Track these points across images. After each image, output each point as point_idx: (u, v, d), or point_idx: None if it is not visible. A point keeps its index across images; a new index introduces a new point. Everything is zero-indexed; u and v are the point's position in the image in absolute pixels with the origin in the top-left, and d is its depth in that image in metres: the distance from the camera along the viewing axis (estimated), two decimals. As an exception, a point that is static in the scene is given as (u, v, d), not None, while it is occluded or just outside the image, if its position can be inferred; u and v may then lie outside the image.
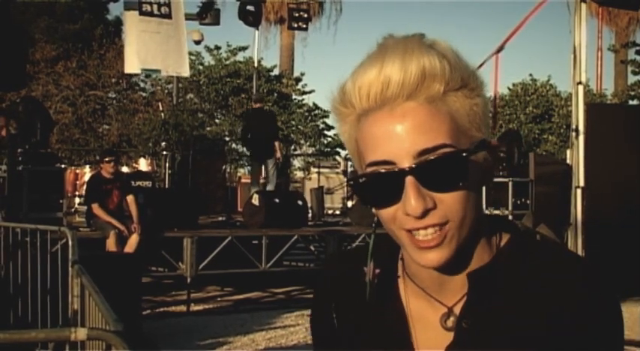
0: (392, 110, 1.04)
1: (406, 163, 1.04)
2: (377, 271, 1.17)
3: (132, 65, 13.47)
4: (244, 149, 27.40)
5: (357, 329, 1.19)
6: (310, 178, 18.51)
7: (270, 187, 13.40)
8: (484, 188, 1.13)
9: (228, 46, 28.51)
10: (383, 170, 1.05)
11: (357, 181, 1.08)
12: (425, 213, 1.04)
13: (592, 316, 1.07)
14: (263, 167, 13.49)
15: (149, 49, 13.31)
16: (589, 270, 1.10)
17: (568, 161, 11.74)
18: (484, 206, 1.19)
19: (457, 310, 1.12)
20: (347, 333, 1.20)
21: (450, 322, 1.12)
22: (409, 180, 1.03)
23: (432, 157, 1.03)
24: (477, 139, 1.08)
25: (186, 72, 14.51)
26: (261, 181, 13.54)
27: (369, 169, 1.07)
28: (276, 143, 13.34)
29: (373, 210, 1.10)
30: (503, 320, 1.09)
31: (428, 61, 1.04)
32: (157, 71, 14.38)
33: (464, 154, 1.05)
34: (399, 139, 1.04)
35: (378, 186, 1.06)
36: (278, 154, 13.32)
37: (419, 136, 1.03)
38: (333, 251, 11.06)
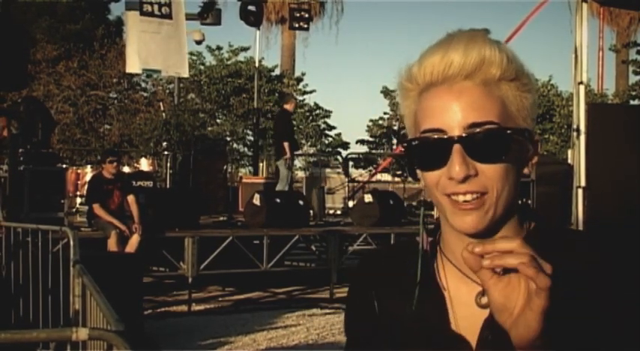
0: (450, 87, 1.18)
1: (456, 132, 1.16)
2: (430, 239, 1.28)
3: (133, 65, 13.48)
4: (245, 149, 27.50)
5: (397, 312, 1.26)
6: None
7: (279, 187, 13.45)
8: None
9: (230, 46, 28.59)
10: (435, 136, 1.17)
11: (410, 143, 1.21)
12: (466, 178, 1.15)
13: (609, 281, 1.17)
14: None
15: (150, 50, 13.32)
16: (607, 246, 1.22)
17: (569, 161, 11.74)
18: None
19: None
20: (386, 317, 1.28)
21: (484, 300, 1.18)
22: (456, 147, 1.15)
23: (480, 130, 1.15)
24: (522, 127, 1.20)
25: (185, 72, 14.53)
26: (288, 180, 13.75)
27: (424, 135, 1.19)
28: (285, 143, 13.40)
29: (420, 176, 1.23)
30: None
31: (489, 49, 1.17)
32: (158, 71, 14.39)
33: (508, 132, 1.17)
34: (454, 111, 1.17)
35: (428, 150, 1.19)
36: (286, 155, 13.38)
37: (471, 112, 1.16)
38: (333, 251, 11.06)
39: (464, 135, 1.15)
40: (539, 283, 1.01)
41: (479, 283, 1.18)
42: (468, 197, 1.15)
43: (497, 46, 1.18)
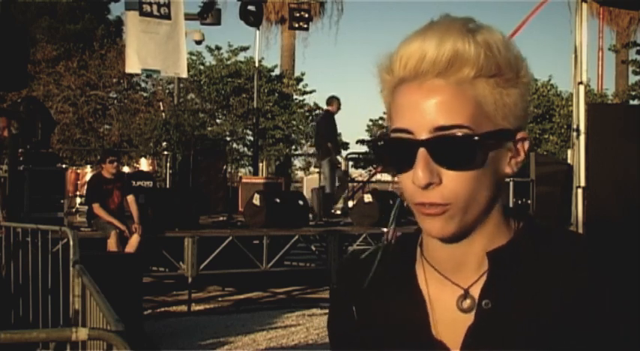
0: (421, 84, 1.10)
1: (423, 135, 1.09)
2: (398, 233, 1.24)
3: (132, 65, 13.48)
4: (245, 149, 27.48)
5: (377, 317, 1.21)
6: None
7: (327, 190, 13.45)
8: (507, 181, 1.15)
9: (229, 46, 28.52)
10: (401, 137, 1.11)
11: (377, 143, 1.16)
12: (428, 185, 1.09)
13: (608, 288, 1.10)
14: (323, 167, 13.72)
15: (149, 50, 13.32)
16: (601, 245, 1.14)
17: (569, 161, 11.73)
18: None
19: (473, 291, 1.15)
20: (366, 323, 1.22)
21: (466, 304, 1.14)
22: (421, 151, 1.09)
23: (446, 134, 1.08)
24: (501, 127, 1.11)
25: (184, 73, 14.53)
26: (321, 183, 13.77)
27: (393, 135, 1.13)
28: (329, 144, 13.34)
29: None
30: (522, 299, 1.12)
31: (462, 44, 1.08)
32: (157, 72, 14.39)
33: (476, 138, 1.08)
34: (422, 112, 1.09)
35: (394, 151, 1.13)
36: (331, 155, 13.28)
37: (439, 113, 1.08)
38: (333, 251, 11.06)
39: (428, 138, 1.08)
40: None
41: (460, 286, 1.15)
42: (433, 207, 1.09)
43: (473, 40, 1.09)
